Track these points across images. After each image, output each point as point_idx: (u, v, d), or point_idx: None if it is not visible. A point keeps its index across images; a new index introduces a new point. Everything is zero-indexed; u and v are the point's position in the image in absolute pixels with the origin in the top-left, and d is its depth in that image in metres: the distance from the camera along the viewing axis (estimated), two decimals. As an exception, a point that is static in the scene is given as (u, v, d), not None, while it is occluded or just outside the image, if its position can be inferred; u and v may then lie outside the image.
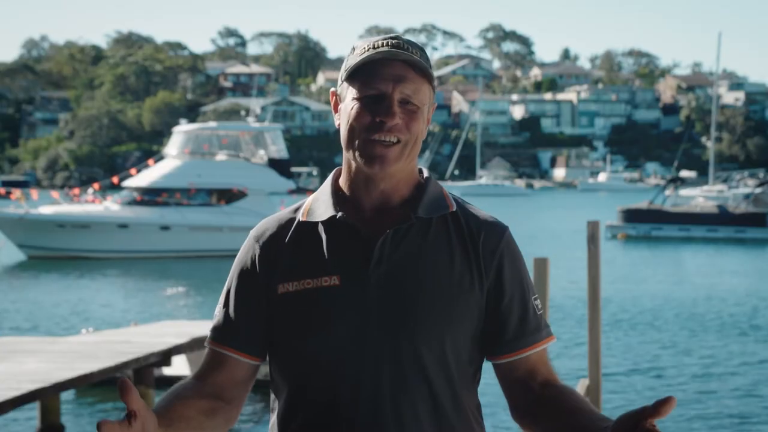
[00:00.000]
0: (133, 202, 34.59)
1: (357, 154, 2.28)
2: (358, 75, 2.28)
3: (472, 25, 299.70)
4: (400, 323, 2.25)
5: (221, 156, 35.90)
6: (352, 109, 2.28)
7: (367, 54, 2.27)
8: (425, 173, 2.41)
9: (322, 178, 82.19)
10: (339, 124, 2.34)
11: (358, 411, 2.24)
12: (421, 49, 2.31)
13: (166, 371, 13.70)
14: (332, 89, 2.38)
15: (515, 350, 2.34)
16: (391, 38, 2.29)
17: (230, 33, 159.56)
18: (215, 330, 2.36)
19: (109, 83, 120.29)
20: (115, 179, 36.91)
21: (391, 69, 2.26)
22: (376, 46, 2.28)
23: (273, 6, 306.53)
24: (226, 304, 2.36)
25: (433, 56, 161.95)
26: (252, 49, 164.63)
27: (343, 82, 2.33)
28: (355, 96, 2.28)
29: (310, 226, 2.34)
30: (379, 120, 2.25)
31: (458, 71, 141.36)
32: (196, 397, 2.28)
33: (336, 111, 2.36)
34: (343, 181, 2.38)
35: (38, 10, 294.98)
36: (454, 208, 2.36)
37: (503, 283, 2.33)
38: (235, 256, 2.45)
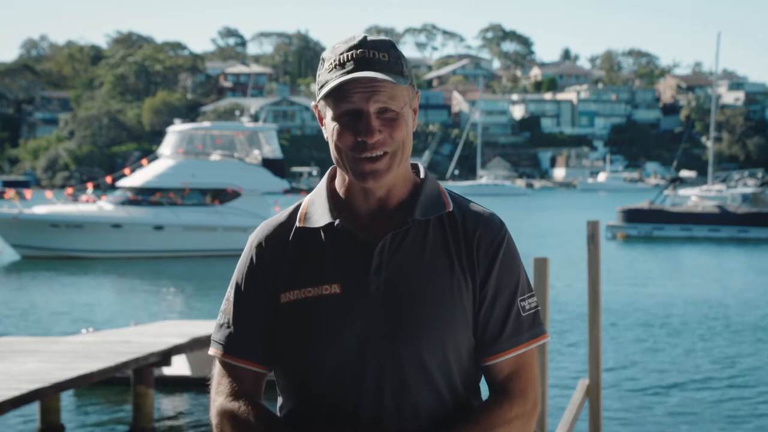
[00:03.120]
0: (126, 202, 34.50)
1: (349, 172, 2.28)
2: (332, 94, 2.27)
3: (472, 25, 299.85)
4: (401, 329, 2.25)
5: (215, 156, 35.81)
6: (333, 129, 2.28)
7: (335, 74, 2.25)
8: (422, 172, 2.40)
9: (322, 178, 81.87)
10: (328, 138, 2.33)
11: (361, 415, 2.25)
12: (388, 46, 2.28)
13: (166, 371, 13.68)
14: (313, 103, 2.38)
15: (495, 353, 2.32)
16: (355, 47, 2.26)
17: (230, 33, 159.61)
18: (229, 343, 2.35)
19: (109, 83, 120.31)
20: (109, 179, 36.83)
21: (362, 83, 2.24)
22: (342, 61, 2.25)
23: (273, 6, 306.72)
24: (233, 315, 2.36)
25: (433, 56, 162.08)
26: (252, 49, 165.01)
27: (320, 99, 2.32)
28: (333, 115, 2.28)
29: (308, 233, 2.34)
30: (361, 140, 2.24)
31: (458, 71, 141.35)
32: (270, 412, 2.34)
33: (322, 124, 2.36)
34: (339, 185, 2.38)
35: (38, 10, 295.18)
36: (451, 208, 2.35)
37: (489, 282, 2.31)
38: (229, 255, 2.45)
